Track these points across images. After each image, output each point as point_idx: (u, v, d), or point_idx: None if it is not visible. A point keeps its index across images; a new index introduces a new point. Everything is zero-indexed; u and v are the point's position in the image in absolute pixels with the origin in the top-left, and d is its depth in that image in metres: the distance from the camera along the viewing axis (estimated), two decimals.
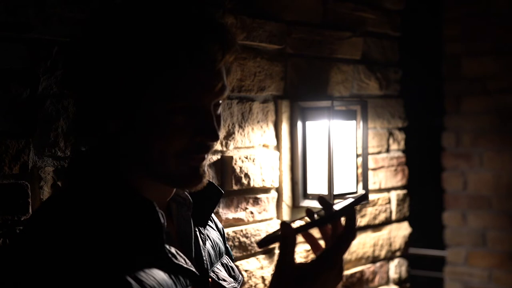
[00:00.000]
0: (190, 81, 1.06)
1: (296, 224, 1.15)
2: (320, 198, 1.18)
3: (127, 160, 1.12)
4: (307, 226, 1.14)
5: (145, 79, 1.05)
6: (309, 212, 1.18)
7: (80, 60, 1.10)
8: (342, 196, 2.13)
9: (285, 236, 1.09)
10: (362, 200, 1.15)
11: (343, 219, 1.16)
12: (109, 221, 1.05)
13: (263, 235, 2.00)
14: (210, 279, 1.20)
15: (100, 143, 1.14)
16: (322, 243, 1.23)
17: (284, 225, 1.10)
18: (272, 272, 1.13)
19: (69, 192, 1.12)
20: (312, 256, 1.95)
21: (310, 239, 1.21)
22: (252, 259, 2.00)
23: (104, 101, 1.07)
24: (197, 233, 1.22)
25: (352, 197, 1.17)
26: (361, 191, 1.12)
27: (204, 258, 1.20)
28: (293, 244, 1.09)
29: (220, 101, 1.13)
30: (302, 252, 2.16)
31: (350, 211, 1.13)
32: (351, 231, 1.11)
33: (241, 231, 1.96)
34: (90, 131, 1.12)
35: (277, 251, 2.04)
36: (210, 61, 1.07)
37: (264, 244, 1.14)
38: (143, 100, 1.06)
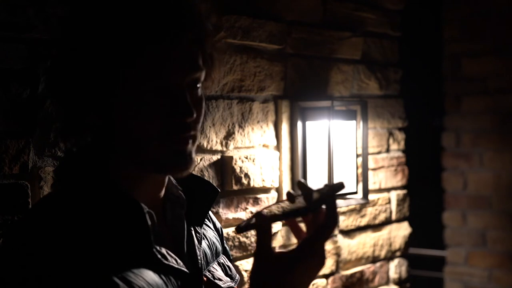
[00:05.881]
0: (160, 61, 1.06)
1: (274, 210, 1.14)
2: (300, 183, 1.16)
3: (115, 156, 1.12)
4: (283, 216, 1.13)
5: (117, 65, 1.05)
6: (290, 195, 1.17)
7: (55, 59, 1.11)
8: (343, 196, 2.13)
9: (259, 226, 1.09)
10: (339, 188, 1.13)
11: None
12: (97, 224, 1.05)
13: None
14: (205, 278, 1.19)
15: (90, 143, 1.14)
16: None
17: (258, 215, 1.10)
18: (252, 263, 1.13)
19: (58, 195, 1.12)
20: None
21: (293, 226, 1.20)
22: (252, 259, 2.00)
23: (80, 95, 1.07)
24: (193, 232, 1.22)
25: (329, 186, 1.15)
26: (337, 181, 1.13)
27: (199, 257, 1.19)
28: (269, 233, 1.09)
29: (198, 85, 1.12)
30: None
31: (329, 201, 1.12)
32: (332, 219, 1.10)
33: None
34: (74, 131, 1.12)
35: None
36: (177, 40, 1.07)
37: (242, 230, 1.13)
38: (117, 87, 1.06)
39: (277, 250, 1.10)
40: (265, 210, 1.12)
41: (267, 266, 1.08)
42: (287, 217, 1.14)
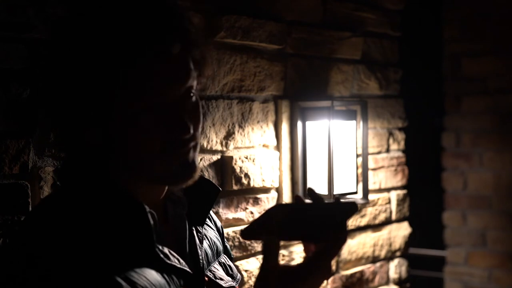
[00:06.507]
0: (148, 78, 1.04)
1: (281, 217, 1.13)
2: (310, 191, 1.16)
3: (116, 163, 1.12)
4: (292, 239, 1.15)
5: (107, 85, 1.03)
6: (299, 200, 1.17)
7: (46, 75, 1.10)
8: (343, 196, 2.13)
9: (268, 245, 1.09)
10: (353, 211, 1.12)
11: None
12: (99, 224, 1.05)
13: None
14: (206, 278, 1.20)
15: (89, 147, 1.13)
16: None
17: (267, 235, 1.09)
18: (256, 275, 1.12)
19: (60, 196, 1.12)
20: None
21: None
22: (252, 259, 2.00)
23: (75, 111, 1.07)
24: (194, 232, 1.22)
25: (342, 203, 1.14)
26: (348, 199, 1.09)
27: (200, 257, 1.19)
28: (277, 249, 1.09)
29: (192, 92, 1.11)
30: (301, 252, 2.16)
31: (341, 227, 1.11)
32: (342, 238, 1.11)
33: (241, 231, 1.96)
34: (70, 145, 1.12)
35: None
36: (166, 53, 1.05)
37: (249, 238, 1.14)
38: (111, 106, 1.05)
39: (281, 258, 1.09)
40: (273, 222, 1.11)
41: (273, 281, 1.08)
42: (296, 240, 1.15)
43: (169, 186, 1.17)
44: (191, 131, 1.08)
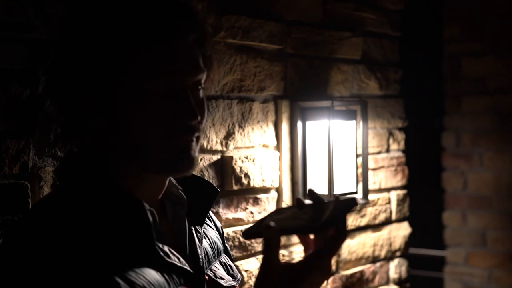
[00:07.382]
0: (163, 62, 1.07)
1: (283, 220, 1.13)
2: (310, 192, 1.17)
3: (115, 158, 1.12)
4: (292, 231, 1.14)
5: (118, 65, 1.05)
6: (300, 202, 1.17)
7: (56, 59, 1.11)
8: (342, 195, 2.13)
9: (268, 239, 1.08)
10: (352, 206, 1.12)
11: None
12: (97, 222, 1.05)
13: None
14: (207, 277, 1.20)
15: (90, 144, 1.14)
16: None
17: (267, 227, 1.09)
18: (257, 273, 1.12)
19: (59, 195, 1.12)
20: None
21: (301, 236, 1.21)
22: (252, 259, 2.00)
23: (81, 96, 1.08)
24: (193, 231, 1.22)
25: (342, 199, 1.14)
26: (348, 196, 1.08)
27: (200, 256, 1.19)
28: (277, 246, 1.08)
29: (200, 87, 1.13)
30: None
31: (340, 217, 1.12)
32: (342, 235, 1.10)
33: (241, 231, 1.96)
34: (75, 134, 1.12)
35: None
36: (181, 41, 1.08)
37: (250, 237, 1.14)
38: (119, 87, 1.06)
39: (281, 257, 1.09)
40: (272, 223, 1.10)
41: (273, 278, 1.08)
42: (296, 232, 1.14)
43: (167, 175, 1.16)
44: (199, 118, 1.10)
